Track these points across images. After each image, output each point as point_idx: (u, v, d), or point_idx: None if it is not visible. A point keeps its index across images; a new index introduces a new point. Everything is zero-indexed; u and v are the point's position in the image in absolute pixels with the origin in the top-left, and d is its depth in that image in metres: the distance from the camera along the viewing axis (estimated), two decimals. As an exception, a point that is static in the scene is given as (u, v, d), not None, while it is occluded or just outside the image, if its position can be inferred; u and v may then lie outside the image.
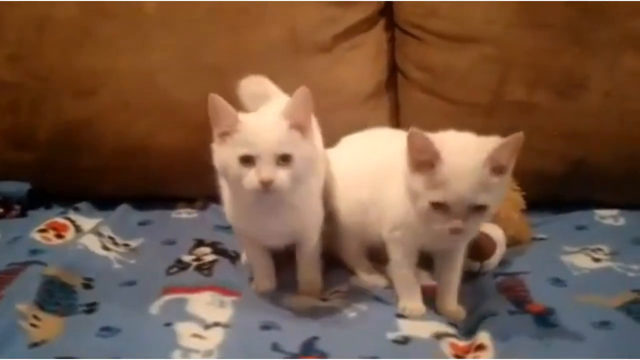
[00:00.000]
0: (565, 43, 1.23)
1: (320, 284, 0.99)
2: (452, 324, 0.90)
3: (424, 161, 0.83)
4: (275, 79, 1.20)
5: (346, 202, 1.03)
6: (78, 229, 1.20)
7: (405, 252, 0.94)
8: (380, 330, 0.88)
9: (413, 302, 0.94)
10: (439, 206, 0.82)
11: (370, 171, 0.99)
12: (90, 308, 0.91)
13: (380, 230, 0.96)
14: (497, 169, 0.82)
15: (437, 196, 0.82)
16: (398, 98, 1.37)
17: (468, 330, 0.89)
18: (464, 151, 0.83)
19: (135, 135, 1.29)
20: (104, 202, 1.31)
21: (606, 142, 1.24)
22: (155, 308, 0.91)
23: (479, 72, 1.27)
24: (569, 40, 1.23)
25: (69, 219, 1.22)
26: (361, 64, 1.33)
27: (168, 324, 0.86)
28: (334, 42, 1.30)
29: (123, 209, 1.28)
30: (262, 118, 0.91)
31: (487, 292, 0.98)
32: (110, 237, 1.15)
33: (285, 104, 0.88)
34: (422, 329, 0.88)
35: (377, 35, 1.34)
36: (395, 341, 0.86)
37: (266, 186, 0.82)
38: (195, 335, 0.84)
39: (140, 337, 0.83)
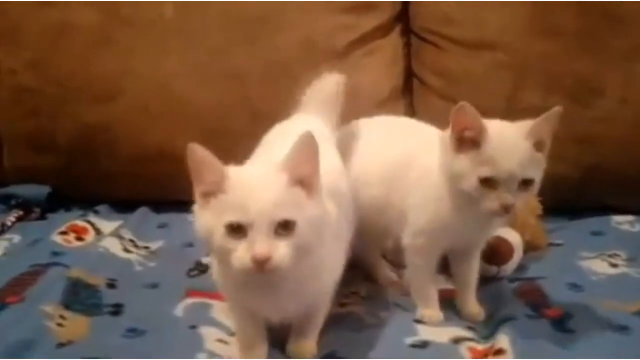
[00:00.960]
0: (578, 49, 1.24)
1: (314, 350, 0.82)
2: (471, 327, 0.91)
3: (468, 139, 0.83)
4: (291, 86, 1.21)
5: (360, 199, 0.97)
6: (98, 231, 1.21)
7: (427, 258, 0.93)
8: (399, 335, 0.89)
9: (431, 310, 0.94)
10: (487, 183, 0.82)
11: (387, 168, 0.96)
12: (116, 309, 0.93)
13: (399, 233, 0.95)
14: (538, 145, 0.84)
15: (487, 171, 0.81)
16: (414, 103, 1.38)
17: (486, 334, 0.90)
18: (506, 127, 0.84)
19: (152, 139, 1.30)
20: (122, 206, 1.33)
21: (621, 148, 1.25)
22: (179, 311, 0.92)
23: (494, 77, 1.28)
24: (582, 46, 1.24)
25: (88, 221, 1.24)
26: (377, 70, 1.34)
27: (193, 327, 0.87)
28: (349, 49, 1.31)
29: (142, 211, 1.30)
30: (256, 173, 0.72)
31: (504, 296, 0.99)
32: (131, 240, 1.17)
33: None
34: (441, 333, 0.89)
35: (393, 41, 1.36)
36: (414, 345, 0.86)
37: (261, 265, 0.66)
38: (220, 341, 0.84)
39: (166, 339, 0.84)
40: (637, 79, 1.24)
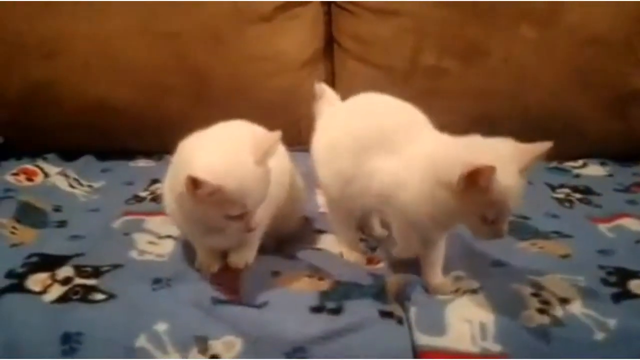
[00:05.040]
0: (470, 16, 1.44)
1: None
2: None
3: (477, 187, 0.82)
4: (221, 44, 1.37)
5: (328, 174, 1.00)
6: (46, 174, 1.34)
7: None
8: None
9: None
10: (486, 220, 0.84)
11: (358, 141, 0.95)
12: (60, 224, 1.08)
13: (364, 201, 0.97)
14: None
15: (491, 214, 0.84)
16: (334, 65, 1.56)
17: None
18: (508, 169, 0.82)
19: (94, 94, 1.43)
20: (69, 155, 1.46)
21: (505, 100, 1.46)
22: (116, 224, 1.08)
23: (398, 41, 1.47)
24: (472, 13, 1.44)
25: (37, 166, 1.36)
26: (300, 34, 1.51)
27: (127, 234, 1.03)
28: (274, 14, 1.47)
29: (86, 158, 1.44)
30: None
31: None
32: (76, 179, 1.31)
33: None
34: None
35: (315, 8, 1.52)
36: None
37: None
38: (150, 243, 1.01)
39: (103, 242, 1.00)
40: (518, 42, 1.45)
